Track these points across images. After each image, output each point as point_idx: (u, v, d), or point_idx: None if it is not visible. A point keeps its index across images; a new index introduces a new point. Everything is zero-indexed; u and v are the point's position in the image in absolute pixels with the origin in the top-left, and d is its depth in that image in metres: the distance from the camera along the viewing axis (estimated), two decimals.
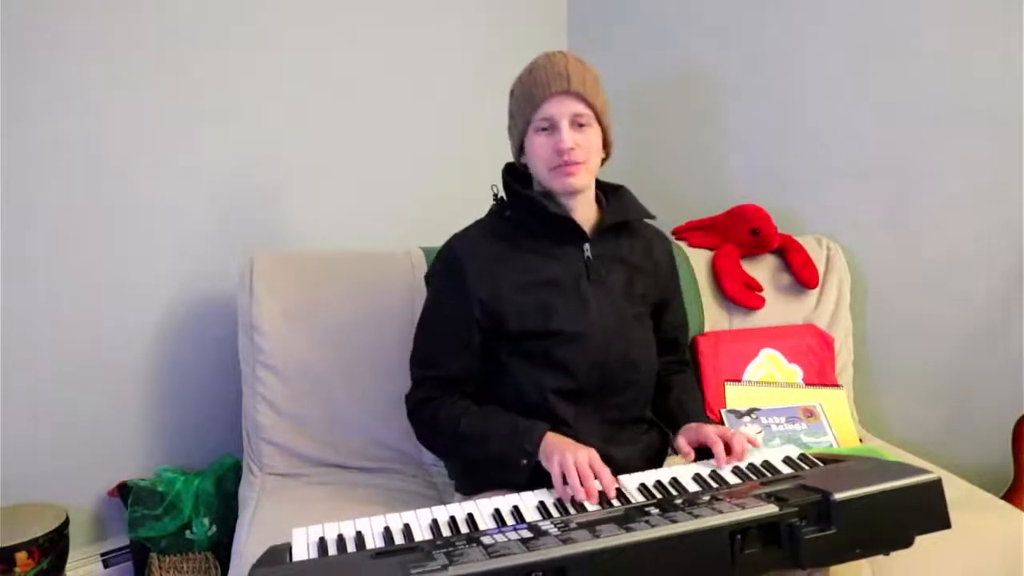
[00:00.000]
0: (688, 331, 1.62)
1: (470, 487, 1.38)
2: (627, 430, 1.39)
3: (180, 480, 1.85)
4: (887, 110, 2.00)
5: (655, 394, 1.47)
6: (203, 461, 2.00)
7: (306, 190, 2.16)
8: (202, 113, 1.96)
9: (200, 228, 1.99)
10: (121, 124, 1.84)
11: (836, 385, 1.95)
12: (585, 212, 1.37)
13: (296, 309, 1.70)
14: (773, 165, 2.27)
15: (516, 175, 1.40)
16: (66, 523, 1.76)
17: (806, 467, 1.19)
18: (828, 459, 1.22)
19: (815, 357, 1.98)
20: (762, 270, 2.08)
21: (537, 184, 1.37)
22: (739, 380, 1.92)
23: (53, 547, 1.72)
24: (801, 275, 2.04)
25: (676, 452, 1.63)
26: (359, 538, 1.02)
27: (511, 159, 1.42)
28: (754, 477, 1.18)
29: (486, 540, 0.94)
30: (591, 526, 0.94)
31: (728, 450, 1.25)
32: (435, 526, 1.07)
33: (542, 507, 1.13)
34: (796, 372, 1.96)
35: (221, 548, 1.85)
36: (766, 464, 1.22)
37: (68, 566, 1.81)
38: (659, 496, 1.14)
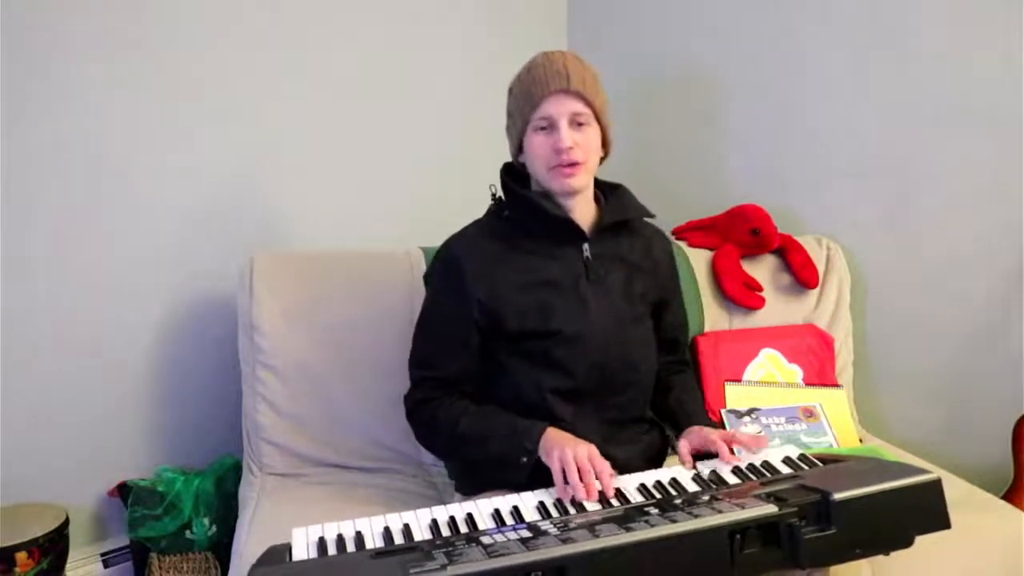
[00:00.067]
0: (688, 331, 1.62)
1: (470, 487, 1.38)
2: (627, 430, 1.39)
3: (180, 480, 1.85)
4: (887, 110, 2.00)
5: (655, 394, 1.47)
6: (203, 461, 2.00)
7: (306, 190, 2.16)
8: (202, 113, 1.96)
9: (200, 228, 1.99)
10: (121, 124, 1.84)
11: (836, 385, 1.95)
12: (584, 212, 1.37)
13: (296, 309, 1.70)
14: (773, 165, 2.27)
15: (514, 175, 1.40)
16: (66, 523, 1.76)
17: (806, 467, 1.19)
18: (828, 459, 1.22)
19: (815, 357, 1.98)
20: (762, 270, 2.07)
21: (535, 184, 1.36)
22: (739, 380, 1.92)
23: (53, 547, 1.72)
24: (801, 275, 2.03)
25: (676, 452, 1.63)
26: (359, 538, 1.02)
27: (510, 159, 1.42)
28: (753, 477, 1.18)
29: (485, 540, 0.94)
30: (590, 526, 0.94)
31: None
32: (435, 526, 1.07)
33: (542, 507, 1.13)
34: (796, 372, 1.96)
35: (221, 548, 1.85)
36: (766, 464, 1.22)
37: (68, 566, 1.81)
38: (658, 496, 1.14)
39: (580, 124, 1.29)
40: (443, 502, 1.52)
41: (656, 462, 1.41)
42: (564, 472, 1.14)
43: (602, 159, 1.38)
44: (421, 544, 0.97)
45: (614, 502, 1.12)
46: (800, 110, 2.19)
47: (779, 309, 2.04)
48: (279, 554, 0.99)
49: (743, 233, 2.05)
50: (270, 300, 1.69)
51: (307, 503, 1.54)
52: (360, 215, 2.26)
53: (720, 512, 0.94)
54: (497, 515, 1.11)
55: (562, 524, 0.99)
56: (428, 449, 1.53)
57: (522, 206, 1.36)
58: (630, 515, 0.99)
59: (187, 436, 2.05)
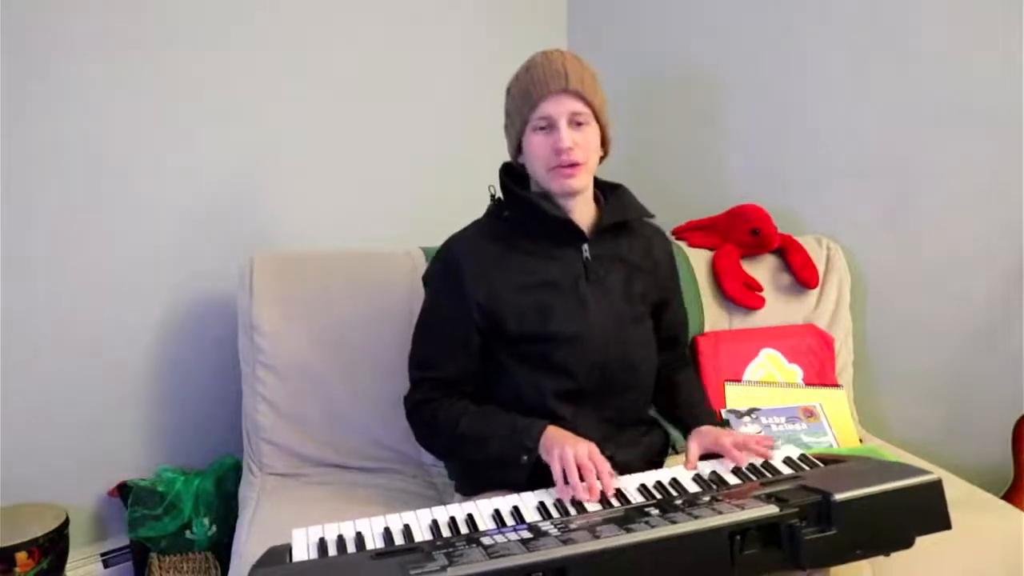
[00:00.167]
0: (688, 329, 1.62)
1: (470, 487, 1.38)
2: (627, 432, 1.39)
3: (180, 480, 1.85)
4: (887, 110, 2.00)
5: (659, 392, 1.47)
6: (203, 461, 2.00)
7: (306, 190, 2.16)
8: (202, 113, 1.96)
9: (200, 228, 1.99)
10: (121, 124, 1.84)
11: (836, 385, 1.95)
12: (583, 212, 1.36)
13: (296, 309, 1.70)
14: (773, 165, 2.27)
15: (514, 175, 1.39)
16: (66, 523, 1.76)
17: (806, 468, 1.19)
18: (828, 459, 1.22)
19: (815, 357, 1.98)
20: (762, 270, 2.07)
21: (535, 184, 1.36)
22: (739, 380, 1.92)
23: (53, 547, 1.72)
24: (801, 275, 2.04)
25: (677, 451, 1.64)
26: (359, 539, 1.02)
27: (509, 159, 1.41)
28: (754, 478, 1.18)
29: (486, 541, 0.94)
30: (591, 527, 0.94)
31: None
32: (435, 527, 1.07)
33: (542, 508, 1.13)
34: (796, 372, 1.96)
35: (221, 548, 1.85)
36: (766, 465, 1.22)
37: (68, 566, 1.81)
38: (659, 497, 1.14)
39: (579, 124, 1.28)
40: (443, 502, 1.52)
41: (656, 463, 1.41)
42: (564, 472, 1.14)
43: (601, 159, 1.37)
44: (421, 545, 0.98)
45: (614, 502, 1.12)
46: (800, 110, 2.19)
47: (779, 309, 2.04)
48: (279, 555, 0.99)
49: (743, 233, 2.05)
50: (270, 300, 1.69)
51: (307, 503, 1.54)
52: (360, 215, 2.26)
53: (720, 513, 0.94)
54: (497, 516, 1.11)
55: (562, 525, 0.99)
56: (428, 450, 1.53)
57: (521, 207, 1.35)
58: (630, 516, 0.99)
59: (187, 436, 2.05)
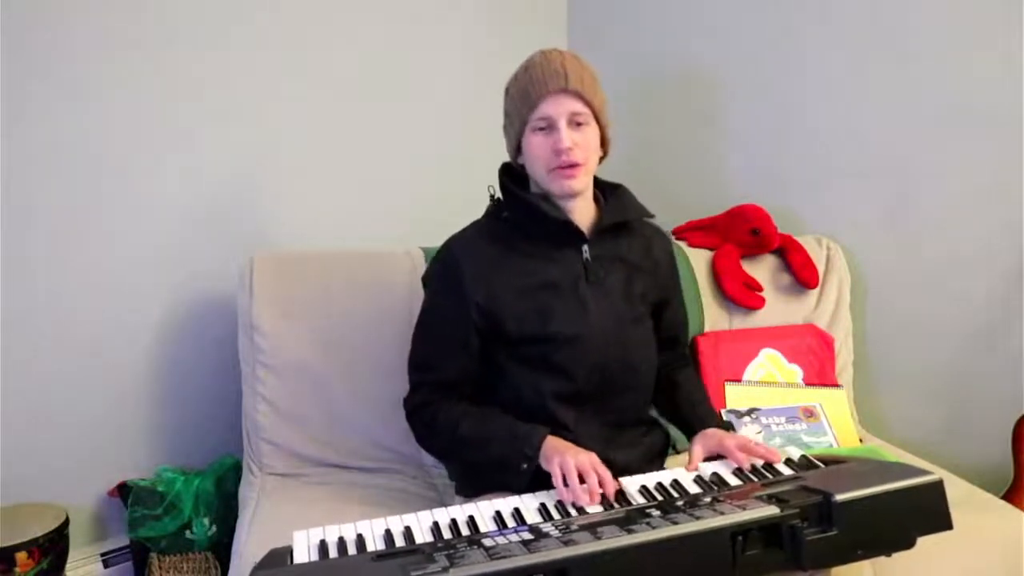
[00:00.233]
0: (688, 328, 1.62)
1: (470, 490, 1.38)
2: (627, 433, 1.39)
3: (180, 480, 1.85)
4: (887, 110, 2.00)
5: (660, 392, 1.47)
6: (203, 461, 2.00)
7: (306, 190, 2.16)
8: (202, 113, 1.95)
9: (200, 228, 1.99)
10: (121, 124, 1.84)
11: (836, 385, 1.95)
12: (583, 212, 1.35)
13: (296, 309, 1.70)
14: (773, 165, 2.27)
15: (513, 175, 1.38)
16: (66, 523, 1.76)
17: (807, 468, 1.19)
18: (829, 460, 1.22)
19: (815, 357, 1.98)
20: (762, 270, 2.08)
21: (534, 185, 1.35)
22: (739, 380, 1.92)
23: (53, 547, 1.72)
24: (801, 275, 2.04)
25: (678, 451, 1.64)
26: (360, 540, 1.02)
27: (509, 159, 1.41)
28: (755, 479, 1.18)
29: (487, 542, 0.94)
30: (592, 528, 0.94)
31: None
32: (436, 528, 1.07)
33: (543, 509, 1.13)
34: (796, 372, 1.96)
35: (221, 548, 1.85)
36: (767, 466, 1.22)
37: (68, 566, 1.81)
38: (660, 498, 1.14)
39: (579, 124, 1.27)
40: (444, 503, 1.52)
41: (657, 464, 1.41)
42: (565, 477, 1.14)
43: (601, 159, 1.36)
44: (422, 546, 0.98)
45: (615, 504, 1.12)
46: (800, 110, 2.19)
47: (779, 309, 2.05)
48: (280, 557, 0.99)
49: (743, 233, 2.05)
50: (270, 300, 1.69)
51: (307, 503, 1.54)
52: (360, 215, 2.26)
53: (722, 514, 0.94)
54: (498, 517, 1.11)
55: (563, 526, 0.99)
56: (428, 451, 1.53)
57: (521, 208, 1.34)
58: (632, 517, 0.99)
59: (187, 436, 2.05)
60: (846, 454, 1.68)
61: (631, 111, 2.37)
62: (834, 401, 1.88)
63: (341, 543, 1.02)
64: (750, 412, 1.82)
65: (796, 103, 2.19)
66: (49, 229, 1.79)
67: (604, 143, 1.34)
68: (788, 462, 1.23)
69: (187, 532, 1.85)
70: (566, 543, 0.89)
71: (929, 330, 2.00)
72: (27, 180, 1.74)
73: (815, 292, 2.07)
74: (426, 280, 1.42)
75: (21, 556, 1.65)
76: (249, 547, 1.38)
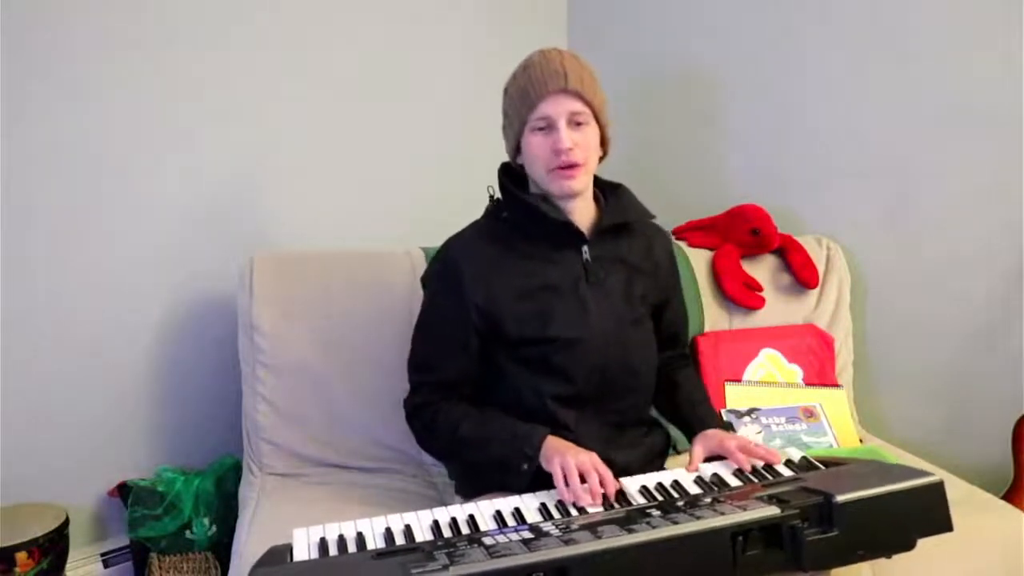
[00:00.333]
0: (688, 326, 1.61)
1: (470, 490, 1.38)
2: (628, 434, 1.39)
3: (180, 480, 1.85)
4: (887, 110, 2.00)
5: (660, 392, 1.47)
6: (203, 461, 2.00)
7: (306, 190, 2.16)
8: (202, 113, 1.95)
9: (200, 228, 1.99)
10: (121, 124, 1.84)
11: (836, 385, 1.95)
12: (583, 213, 1.35)
13: (296, 309, 1.70)
14: (773, 165, 2.27)
15: (512, 175, 1.37)
16: (66, 523, 1.76)
17: (807, 470, 1.19)
18: (830, 462, 1.22)
19: (815, 357, 1.98)
20: (762, 270, 2.08)
21: (533, 185, 1.34)
22: (739, 380, 1.92)
23: (53, 547, 1.72)
24: (801, 275, 2.04)
25: (678, 452, 1.64)
26: (360, 539, 1.02)
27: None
28: (755, 479, 1.18)
29: (487, 541, 0.94)
30: (592, 527, 0.94)
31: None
32: (436, 527, 1.07)
33: (543, 508, 1.13)
34: (796, 372, 1.96)
35: (221, 548, 1.85)
36: (767, 467, 1.22)
37: (68, 566, 1.81)
38: (660, 498, 1.14)
39: (579, 124, 1.26)
40: (443, 502, 1.52)
41: (657, 464, 1.41)
42: (566, 477, 1.14)
43: (601, 158, 1.35)
44: (422, 545, 0.98)
45: (616, 504, 1.12)
46: (800, 110, 2.19)
47: (779, 309, 2.04)
48: (280, 554, 0.99)
49: (743, 233, 2.05)
50: (270, 300, 1.69)
51: (307, 503, 1.54)
52: (360, 215, 2.26)
53: (722, 514, 0.94)
54: (499, 516, 1.11)
55: (564, 525, 0.99)
56: (428, 452, 1.53)
57: (520, 209, 1.33)
58: (632, 516, 0.99)
59: (187, 436, 2.05)
60: (846, 454, 1.68)
61: (631, 111, 2.37)
62: (834, 401, 1.88)
63: (341, 541, 1.02)
64: (750, 412, 1.82)
65: (796, 103, 2.19)
66: (49, 229, 1.79)
67: (604, 143, 1.33)
68: (788, 463, 1.23)
69: (187, 532, 1.85)
70: (566, 542, 0.89)
71: (929, 330, 2.00)
72: (27, 180, 1.74)
73: (815, 292, 2.07)
74: (425, 281, 1.41)
75: (21, 556, 1.65)
76: (249, 547, 1.38)
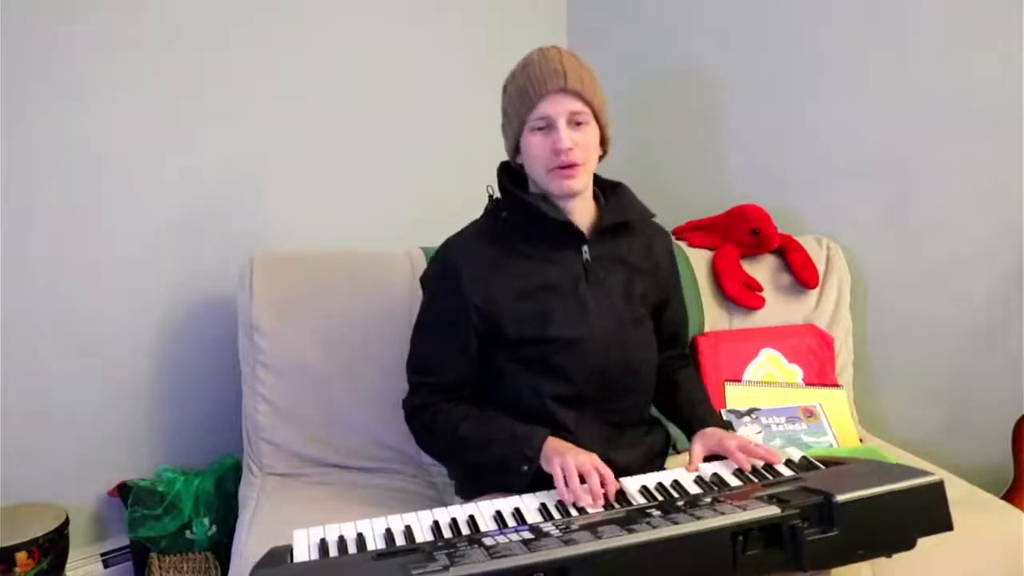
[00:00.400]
0: (688, 325, 1.61)
1: (470, 491, 1.38)
2: (628, 434, 1.39)
3: (180, 480, 1.85)
4: (887, 110, 2.00)
5: (660, 391, 1.46)
6: (203, 461, 2.00)
7: (306, 190, 2.16)
8: (202, 113, 1.95)
9: (200, 228, 1.99)
10: (121, 124, 1.84)
11: (836, 385, 1.95)
12: (583, 213, 1.34)
13: (296, 309, 1.70)
14: (773, 165, 2.27)
15: (512, 175, 1.36)
16: (66, 523, 1.76)
17: (807, 469, 1.19)
18: (830, 461, 1.22)
19: (815, 357, 1.98)
20: (762, 270, 2.07)
21: (533, 185, 1.33)
22: (739, 380, 1.92)
23: (53, 547, 1.72)
24: (801, 275, 2.04)
25: (678, 451, 1.64)
26: (360, 539, 1.02)
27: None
28: (755, 479, 1.18)
29: (487, 541, 0.94)
30: (593, 527, 0.94)
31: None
32: (436, 527, 1.07)
33: (543, 509, 1.13)
34: (796, 372, 1.96)
35: (221, 548, 1.85)
36: (767, 467, 1.22)
37: (68, 566, 1.81)
38: (661, 498, 1.14)
39: (579, 123, 1.25)
40: (443, 502, 1.52)
41: (657, 464, 1.41)
42: (566, 478, 1.14)
43: (600, 157, 1.34)
44: (423, 545, 0.98)
45: (616, 504, 1.12)
46: (800, 110, 2.19)
47: (779, 309, 2.04)
48: (280, 555, 0.99)
49: (743, 233, 2.05)
50: (270, 300, 1.69)
51: (307, 503, 1.54)
52: (360, 215, 2.25)
53: (722, 514, 0.94)
54: (499, 517, 1.11)
55: (564, 525, 0.99)
56: (427, 453, 1.53)
57: (520, 209, 1.33)
58: (632, 517, 0.99)
59: (187, 436, 2.05)
60: (846, 454, 1.68)
61: (631, 111, 2.37)
62: (834, 401, 1.88)
63: (341, 542, 1.02)
64: (750, 412, 1.82)
65: (796, 103, 2.19)
66: (49, 229, 1.79)
67: (604, 142, 1.33)
68: (788, 463, 1.23)
69: (187, 532, 1.85)
70: (566, 542, 0.89)
71: (929, 330, 2.00)
72: (27, 180, 1.74)
73: (815, 292, 2.07)
74: (424, 281, 1.41)
75: (21, 556, 1.65)
76: (249, 547, 1.38)
